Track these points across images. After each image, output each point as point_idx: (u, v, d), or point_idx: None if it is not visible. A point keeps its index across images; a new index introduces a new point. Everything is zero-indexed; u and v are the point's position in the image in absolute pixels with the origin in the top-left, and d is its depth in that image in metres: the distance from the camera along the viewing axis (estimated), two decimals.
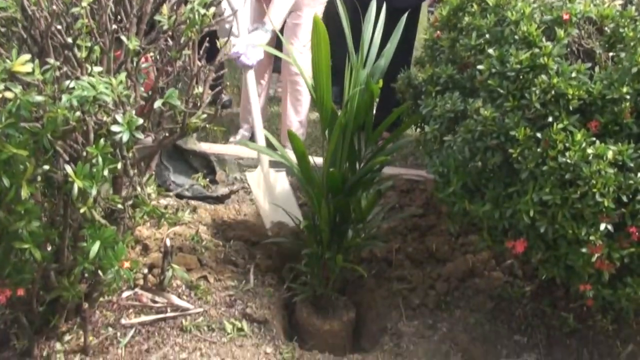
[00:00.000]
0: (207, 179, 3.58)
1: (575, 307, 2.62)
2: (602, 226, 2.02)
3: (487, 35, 2.40)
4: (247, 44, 3.39)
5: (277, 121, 4.80)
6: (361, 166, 2.72)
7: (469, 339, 2.58)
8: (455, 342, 2.58)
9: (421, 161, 4.11)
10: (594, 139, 2.07)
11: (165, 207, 3.14)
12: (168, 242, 2.58)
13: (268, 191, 3.35)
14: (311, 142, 4.43)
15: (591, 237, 2.02)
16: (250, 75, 3.47)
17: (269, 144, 3.11)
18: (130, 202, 2.06)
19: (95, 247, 1.79)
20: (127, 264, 1.80)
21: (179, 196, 3.41)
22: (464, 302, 2.80)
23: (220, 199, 3.51)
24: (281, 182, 3.42)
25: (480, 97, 2.32)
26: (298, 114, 4.11)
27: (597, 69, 2.25)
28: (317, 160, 2.85)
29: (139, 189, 2.05)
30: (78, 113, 1.62)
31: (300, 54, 3.90)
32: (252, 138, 4.17)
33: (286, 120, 4.11)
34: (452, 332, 2.64)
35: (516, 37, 2.27)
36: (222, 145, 3.98)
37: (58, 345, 2.36)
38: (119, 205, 1.98)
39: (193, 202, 3.38)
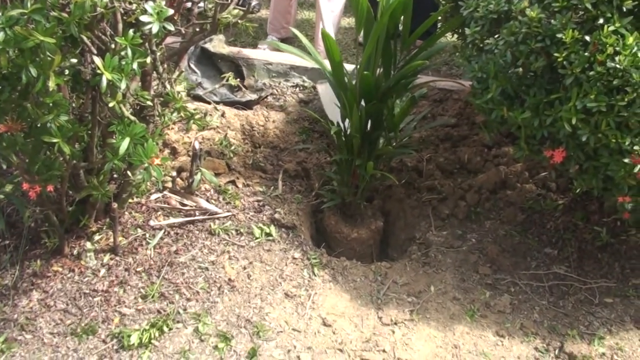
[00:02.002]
0: (239, 94, 3.50)
1: (609, 221, 2.57)
2: None
3: None
4: None
5: (306, 25, 4.66)
6: (395, 71, 2.63)
7: (498, 250, 2.55)
8: (484, 253, 2.55)
9: (455, 71, 3.99)
10: None
11: (194, 110, 3.09)
12: (197, 145, 2.55)
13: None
14: (342, 49, 4.30)
15: (635, 147, 1.94)
16: None
17: (302, 47, 3.01)
18: (160, 100, 2.00)
19: (125, 143, 1.75)
20: (157, 161, 1.77)
21: (207, 100, 3.35)
22: (495, 213, 2.76)
23: (248, 105, 3.45)
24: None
25: None
26: (334, 25, 3.95)
27: None
28: (347, 66, 2.75)
29: (168, 86, 1.99)
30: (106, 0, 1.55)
31: None
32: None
33: (319, 27, 3.97)
34: (481, 243, 2.61)
35: None
36: (251, 50, 3.88)
37: (88, 245, 2.37)
38: (149, 102, 1.92)
39: (221, 107, 3.32)
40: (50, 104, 1.68)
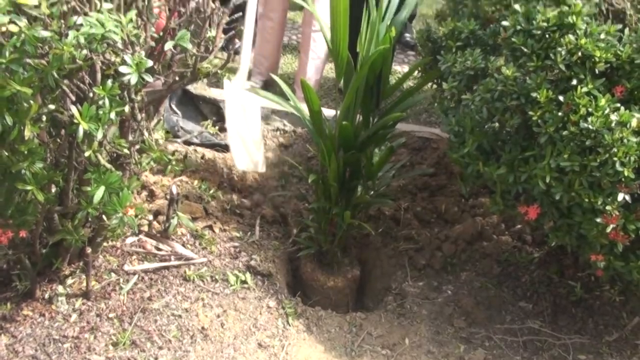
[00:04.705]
0: (216, 126, 3.51)
1: (583, 276, 2.59)
2: (620, 196, 1.96)
3: None
4: None
5: (289, 68, 4.70)
6: (375, 121, 2.65)
7: (473, 302, 2.55)
8: (459, 305, 2.55)
9: (435, 118, 4.04)
10: (618, 105, 1.99)
11: (173, 153, 3.10)
12: (174, 190, 2.54)
13: (242, 118, 3.27)
14: (323, 93, 4.34)
15: (607, 207, 1.97)
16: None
17: (281, 94, 3.03)
18: (137, 147, 2.00)
19: (100, 192, 1.74)
20: (131, 211, 1.76)
21: (187, 142, 3.35)
22: (471, 265, 2.77)
23: (228, 147, 3.45)
24: (255, 113, 3.33)
25: (502, 55, 2.24)
26: (316, 70, 4.00)
27: (626, 31, 2.16)
28: (327, 112, 2.78)
29: (146, 133, 1.99)
30: (85, 51, 1.56)
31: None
32: (265, 87, 4.11)
33: (302, 72, 4.01)
34: (457, 295, 2.61)
35: None
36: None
37: (60, 289, 2.34)
38: (125, 150, 1.92)
39: (201, 149, 3.32)
40: (26, 152, 1.68)
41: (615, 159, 1.92)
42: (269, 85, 4.08)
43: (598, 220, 1.99)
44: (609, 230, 1.98)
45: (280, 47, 4.20)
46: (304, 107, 2.65)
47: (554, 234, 2.21)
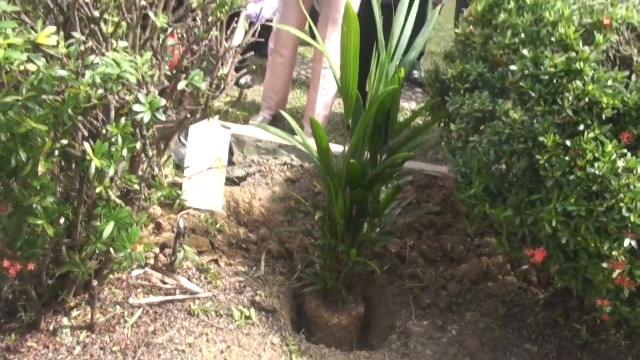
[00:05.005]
0: (228, 170, 3.53)
1: (589, 319, 2.58)
2: (627, 242, 1.96)
3: (523, 35, 2.33)
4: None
5: (298, 103, 4.75)
6: (382, 160, 2.67)
7: (478, 344, 2.54)
8: (464, 346, 2.54)
9: (441, 156, 4.06)
10: (625, 151, 2.01)
11: (181, 186, 3.11)
12: (182, 224, 2.56)
13: (205, 152, 3.22)
14: (331, 129, 4.38)
15: (614, 253, 1.97)
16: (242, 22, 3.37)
17: (290, 129, 3.05)
18: (146, 183, 2.02)
19: (110, 227, 1.76)
20: (140, 248, 1.77)
21: None
22: (476, 305, 2.76)
23: (236, 181, 3.48)
24: (222, 147, 3.30)
25: (510, 99, 2.26)
26: (325, 107, 4.04)
27: (633, 77, 2.18)
28: (335, 148, 2.80)
29: (156, 169, 2.02)
30: (101, 91, 1.59)
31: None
32: (274, 121, 4.15)
33: (312, 108, 4.05)
34: (462, 336, 2.60)
35: (553, 39, 2.20)
36: (241, 126, 3.93)
37: (65, 321, 2.34)
38: (136, 186, 1.94)
39: None
40: (38, 187, 1.70)
41: (622, 204, 1.93)
42: (277, 120, 4.12)
43: (604, 265, 1.99)
44: (615, 275, 1.98)
45: (289, 83, 4.25)
46: (312, 143, 2.67)
47: (560, 277, 2.22)
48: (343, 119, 4.51)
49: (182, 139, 3.62)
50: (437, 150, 4.14)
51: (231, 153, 3.67)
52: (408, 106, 4.78)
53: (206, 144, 3.24)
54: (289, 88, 4.29)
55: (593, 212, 1.99)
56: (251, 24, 2.39)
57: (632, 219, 1.93)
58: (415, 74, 5.20)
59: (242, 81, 3.31)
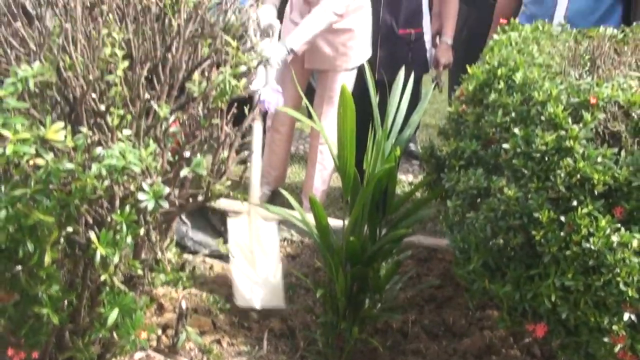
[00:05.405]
0: (227, 244, 3.54)
1: None
2: (626, 316, 1.98)
3: (513, 114, 2.40)
4: (269, 88, 3.33)
5: (297, 178, 4.81)
6: (382, 235, 2.71)
7: None
8: None
9: (440, 228, 4.09)
10: (618, 225, 2.04)
11: (183, 265, 3.13)
12: (183, 305, 2.57)
13: (252, 250, 3.26)
14: (330, 202, 4.42)
15: (614, 327, 1.99)
16: (258, 127, 3.45)
17: (289, 204, 3.10)
18: (149, 267, 2.06)
19: (114, 314, 1.78)
20: (144, 334, 1.79)
21: (196, 252, 3.40)
22: None
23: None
24: (271, 242, 3.34)
25: (504, 176, 2.31)
26: (323, 182, 4.10)
27: (623, 152, 2.24)
28: (334, 222, 2.84)
29: (159, 253, 2.05)
30: (107, 182, 1.64)
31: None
32: (273, 197, 4.20)
33: (310, 183, 4.11)
34: None
35: (542, 117, 2.27)
36: (241, 203, 3.97)
37: None
38: (139, 271, 1.97)
39: (210, 260, 3.37)
40: (44, 276, 1.73)
41: (618, 279, 1.96)
42: (276, 195, 4.17)
43: (605, 339, 2.00)
44: (617, 349, 1.99)
45: (287, 159, 4.33)
46: (311, 217, 2.71)
47: (563, 351, 2.22)
48: (341, 193, 4.57)
49: (182, 216, 3.66)
50: (435, 222, 4.17)
51: None
52: (405, 178, 4.85)
53: (250, 237, 3.27)
54: (287, 164, 4.36)
55: (591, 287, 2.01)
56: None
57: (630, 293, 1.95)
58: (412, 146, 5.29)
59: (241, 155, 3.36)
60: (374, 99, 2.83)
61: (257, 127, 3.43)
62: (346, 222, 2.70)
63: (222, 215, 3.73)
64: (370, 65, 3.24)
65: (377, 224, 2.72)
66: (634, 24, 3.07)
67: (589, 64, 2.64)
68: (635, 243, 1.98)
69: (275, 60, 3.38)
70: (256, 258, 3.19)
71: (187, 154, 2.10)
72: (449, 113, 2.83)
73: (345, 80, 3.84)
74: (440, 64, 4.27)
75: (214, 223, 3.73)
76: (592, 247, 1.99)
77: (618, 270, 1.96)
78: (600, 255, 1.99)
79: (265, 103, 3.28)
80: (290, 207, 2.91)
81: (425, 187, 2.99)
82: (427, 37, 4.20)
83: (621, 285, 1.95)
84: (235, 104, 2.35)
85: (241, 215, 3.37)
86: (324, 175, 4.07)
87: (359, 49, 3.85)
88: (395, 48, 4.07)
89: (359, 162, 2.66)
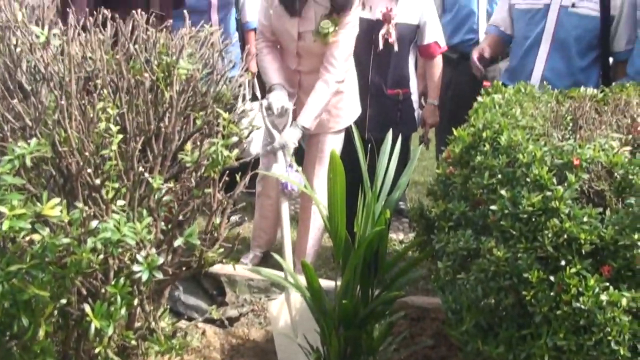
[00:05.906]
0: (220, 310, 3.53)
1: None
2: None
3: (499, 176, 2.45)
4: (292, 171, 3.39)
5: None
6: (374, 296, 2.73)
7: None
8: None
9: (432, 286, 4.09)
10: (607, 284, 2.07)
11: (174, 332, 3.12)
12: None
13: (292, 325, 3.23)
14: (322, 263, 4.43)
15: None
16: (285, 207, 3.49)
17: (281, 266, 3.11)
18: (143, 338, 2.06)
19: None
20: None
21: (189, 318, 3.38)
22: None
23: (229, 321, 3.48)
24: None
25: (492, 237, 2.35)
26: (314, 241, 4.13)
27: (608, 211, 2.28)
28: (325, 283, 2.85)
29: (153, 323, 2.05)
30: (102, 256, 1.66)
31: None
32: (265, 257, 4.22)
33: (302, 244, 4.13)
34: None
35: (528, 179, 2.32)
36: (231, 267, 3.98)
37: None
38: (133, 342, 1.97)
39: (202, 325, 3.36)
40: (38, 350, 1.73)
41: (609, 338, 1.98)
42: (268, 256, 4.18)
43: None
44: None
45: (277, 221, 4.35)
46: (303, 279, 2.72)
47: None
48: (333, 253, 4.58)
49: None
50: (427, 280, 4.18)
51: (223, 293, 3.70)
52: (396, 237, 4.88)
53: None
54: (277, 226, 4.38)
55: (583, 347, 2.02)
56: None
57: (622, 352, 1.97)
58: (401, 204, 5.33)
59: (232, 219, 3.37)
60: (364, 163, 2.88)
61: (285, 208, 3.48)
62: (338, 283, 2.71)
63: (214, 278, 3.73)
64: (359, 125, 3.31)
65: (370, 285, 2.74)
66: (613, 84, 3.17)
67: (571, 124, 2.72)
68: (624, 301, 2.01)
69: (292, 142, 3.45)
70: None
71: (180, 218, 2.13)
72: (437, 174, 2.88)
73: (336, 140, 3.92)
74: (427, 124, 4.37)
75: (206, 287, 3.73)
76: (582, 307, 2.02)
77: (609, 329, 1.98)
78: (591, 315, 2.01)
79: (289, 186, 3.35)
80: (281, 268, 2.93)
81: (417, 246, 3.02)
82: (415, 97, 4.31)
83: (612, 344, 1.97)
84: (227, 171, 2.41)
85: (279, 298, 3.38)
86: (314, 235, 4.09)
87: (349, 109, 3.93)
88: (385, 108, 4.16)
89: (350, 224, 2.70)
